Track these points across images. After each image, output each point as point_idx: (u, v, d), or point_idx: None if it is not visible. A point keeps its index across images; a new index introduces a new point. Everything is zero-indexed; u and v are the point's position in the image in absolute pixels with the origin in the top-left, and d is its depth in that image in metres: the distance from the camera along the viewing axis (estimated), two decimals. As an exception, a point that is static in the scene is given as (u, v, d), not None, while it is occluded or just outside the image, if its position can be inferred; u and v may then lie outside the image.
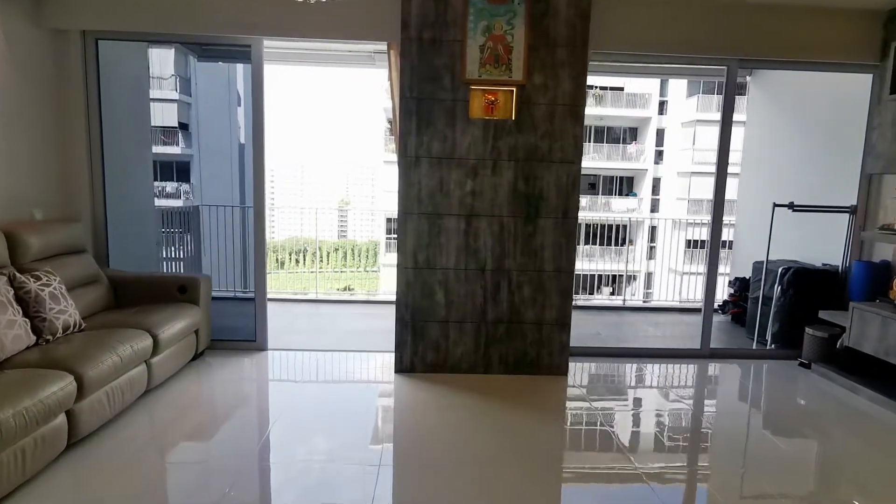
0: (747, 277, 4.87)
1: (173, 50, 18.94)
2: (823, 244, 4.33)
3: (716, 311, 5.53)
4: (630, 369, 3.81)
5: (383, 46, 4.23)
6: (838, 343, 3.63)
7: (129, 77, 4.18)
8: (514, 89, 3.37)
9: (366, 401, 3.21)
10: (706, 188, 19.93)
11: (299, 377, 3.53)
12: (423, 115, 3.35)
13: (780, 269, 4.25)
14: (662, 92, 20.80)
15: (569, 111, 3.39)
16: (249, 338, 3.93)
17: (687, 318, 5.39)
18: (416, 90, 3.34)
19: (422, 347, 3.53)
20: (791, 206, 4.12)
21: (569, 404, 3.23)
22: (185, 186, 20.03)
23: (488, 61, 3.34)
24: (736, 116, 3.93)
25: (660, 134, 20.91)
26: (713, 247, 3.99)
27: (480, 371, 3.55)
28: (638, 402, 3.37)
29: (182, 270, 6.29)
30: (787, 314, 4.18)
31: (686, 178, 19.86)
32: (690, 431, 2.92)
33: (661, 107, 20.90)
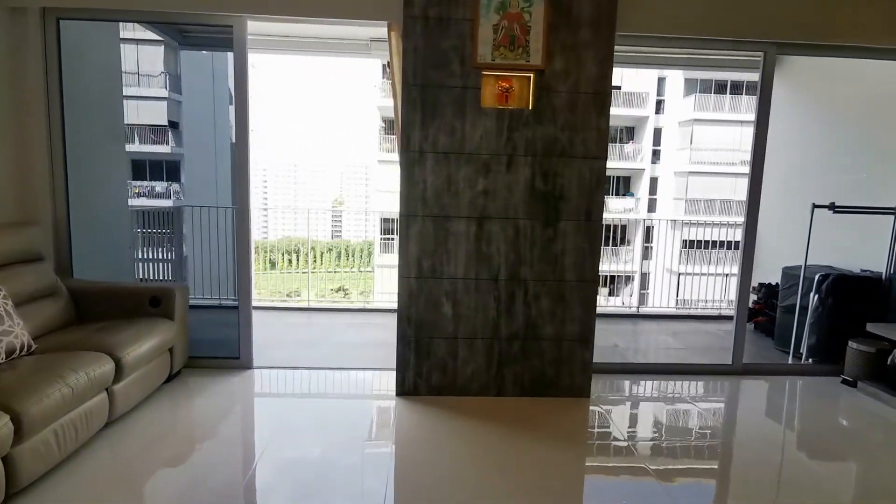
0: (773, 283, 4.48)
1: (162, 46, 18.41)
2: (861, 248, 3.95)
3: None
4: (658, 388, 3.41)
5: (381, 32, 3.79)
6: (889, 359, 3.25)
7: (98, 65, 3.72)
8: (532, 75, 2.95)
9: (364, 429, 2.78)
10: (704, 188, 19.62)
11: (288, 401, 3.09)
12: (428, 105, 2.93)
13: (817, 276, 3.86)
14: (660, 91, 20.50)
15: (593, 100, 2.97)
16: (233, 354, 3.49)
17: (707, 326, 5.01)
18: (420, 76, 2.91)
19: (427, 367, 3.11)
20: (832, 206, 3.74)
21: (593, 432, 2.82)
22: (175, 186, 19.48)
23: (503, 43, 2.92)
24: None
25: (657, 133, 20.60)
26: (746, 252, 3.60)
27: (493, 393, 3.14)
28: (672, 429, 2.96)
29: (169, 276, 5.83)
30: (825, 325, 3.80)
31: (683, 177, 19.56)
32: (733, 461, 2.52)
33: (658, 106, 20.59)
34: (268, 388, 3.28)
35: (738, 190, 19.61)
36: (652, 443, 2.72)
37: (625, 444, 2.67)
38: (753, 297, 4.89)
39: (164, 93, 19.33)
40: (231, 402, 3.05)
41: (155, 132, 19.49)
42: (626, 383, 3.47)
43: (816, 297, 3.84)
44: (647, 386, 3.45)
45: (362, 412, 2.98)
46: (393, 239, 17.28)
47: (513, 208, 3.01)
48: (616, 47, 2.97)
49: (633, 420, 3.02)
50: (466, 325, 3.08)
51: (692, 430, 2.93)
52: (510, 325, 3.09)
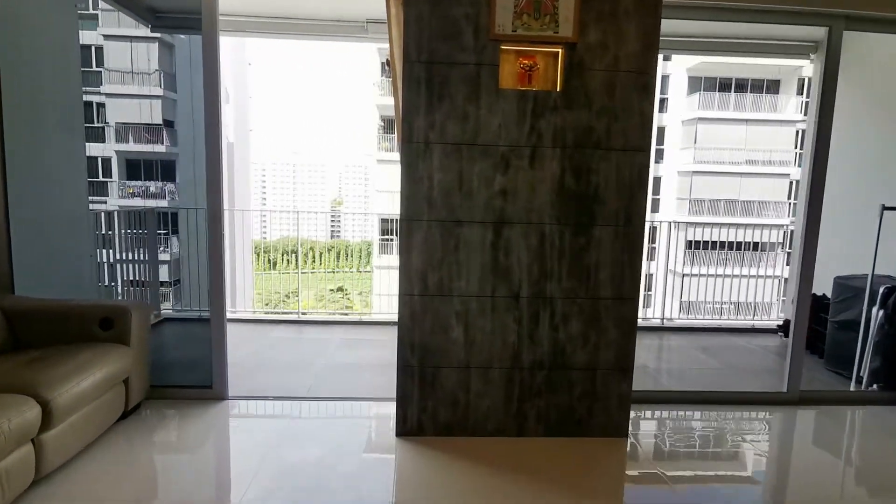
0: (821, 295, 3.94)
1: (157, 44, 17.83)
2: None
3: (775, 331, 4.61)
4: (705, 423, 2.87)
5: (379, 9, 3.24)
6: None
7: (48, 46, 3.16)
8: (561, 50, 2.40)
9: (357, 480, 2.23)
10: (708, 188, 19.07)
11: (267, 443, 2.53)
12: (435, 86, 2.38)
13: (881, 289, 3.32)
14: (663, 89, 19.96)
15: (635, 81, 2.43)
16: (206, 382, 2.94)
17: (740, 340, 4.47)
18: (425, 51, 2.36)
19: (433, 402, 2.56)
20: (904, 209, 3.20)
21: (634, 483, 2.27)
22: (170, 186, 18.92)
23: (525, 10, 2.37)
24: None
25: (660, 132, 20.07)
26: (806, 262, 3.05)
27: (512, 433, 2.59)
28: (727, 478, 2.41)
29: (141, 287, 5.26)
30: (892, 346, 3.26)
31: (687, 177, 19.03)
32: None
33: (662, 104, 20.05)
34: (244, 425, 2.72)
35: (744, 190, 19.06)
36: (704, 492, 2.18)
37: (671, 494, 2.12)
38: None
39: (159, 91, 18.73)
40: (197, 445, 2.50)
41: (150, 131, 18.91)
42: (667, 416, 2.93)
43: (882, 312, 3.30)
44: (691, 420, 2.90)
45: (355, 458, 2.42)
46: (392, 240, 16.71)
47: (537, 211, 2.46)
48: (666, 18, 2.42)
49: (680, 464, 2.47)
50: (481, 352, 2.53)
51: (750, 477, 2.38)
52: (533, 351, 2.54)
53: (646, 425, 2.81)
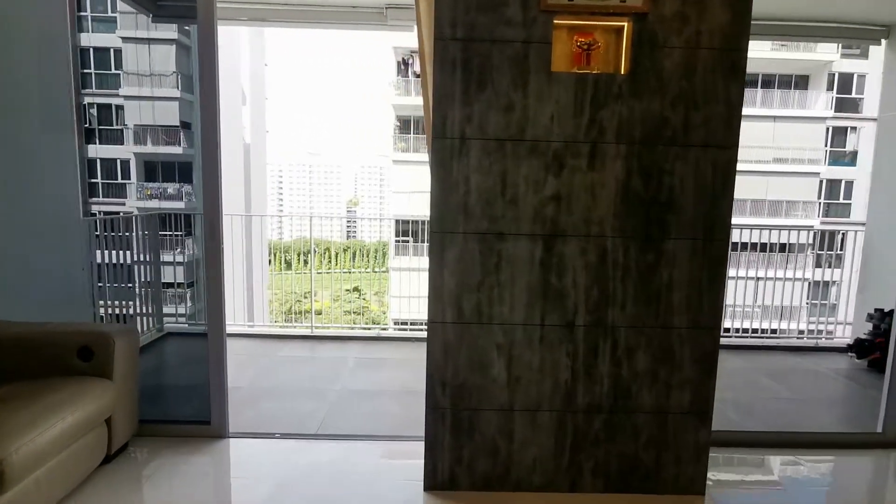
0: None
1: (174, 46, 17.69)
2: None
3: (843, 350, 4.08)
4: (792, 474, 2.37)
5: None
6: None
7: (29, 35, 2.79)
8: (628, 23, 1.94)
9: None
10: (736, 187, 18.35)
11: (270, 497, 2.11)
12: (473, 70, 1.93)
13: None
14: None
15: (720, 60, 1.95)
16: (203, 416, 2.53)
17: (806, 362, 3.94)
18: (461, 26, 1.91)
19: (469, 451, 2.11)
20: None
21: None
22: (186, 187, 18.80)
23: (585, -26, 1.91)
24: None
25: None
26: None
27: (564, 488, 2.13)
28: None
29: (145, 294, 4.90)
30: None
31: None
32: None
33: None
34: (244, 471, 2.30)
35: (771, 189, 18.31)
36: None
37: None
38: (869, 324, 3.81)
39: (177, 93, 18.61)
40: (187, 496, 2.08)
41: (167, 133, 18.83)
42: (745, 464, 2.44)
43: None
44: (775, 469, 2.41)
45: (376, 520, 1.99)
46: (407, 241, 16.30)
47: (597, 222, 2.00)
48: (753, -19, 1.94)
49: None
50: (527, 393, 2.08)
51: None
52: (590, 391, 2.08)
53: (722, 476, 2.32)
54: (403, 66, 18.46)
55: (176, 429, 2.50)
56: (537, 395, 2.07)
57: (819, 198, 17.71)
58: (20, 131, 2.72)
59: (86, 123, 17.73)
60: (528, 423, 2.09)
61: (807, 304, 5.86)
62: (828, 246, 6.03)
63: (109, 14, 17.02)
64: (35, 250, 2.79)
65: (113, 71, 17.28)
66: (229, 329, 4.25)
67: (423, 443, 2.11)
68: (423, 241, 15.39)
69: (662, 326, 2.05)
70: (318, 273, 7.47)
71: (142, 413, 2.41)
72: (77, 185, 3.14)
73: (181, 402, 2.94)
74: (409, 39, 17.39)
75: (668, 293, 2.04)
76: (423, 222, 15.59)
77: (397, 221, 17.50)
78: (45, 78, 2.90)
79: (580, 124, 1.96)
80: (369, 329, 4.35)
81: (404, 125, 19.20)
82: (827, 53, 17.67)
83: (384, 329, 5.39)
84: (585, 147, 1.97)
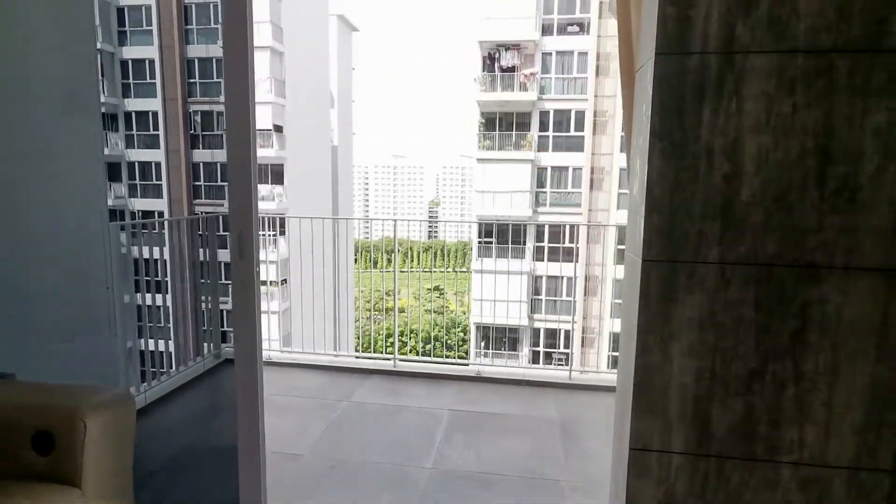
0: None
1: (268, 52, 17.99)
2: None
3: None
4: None
5: None
6: None
7: (44, 19, 2.05)
8: None
9: None
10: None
11: None
12: None
13: None
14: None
15: None
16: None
17: None
18: None
19: None
20: None
21: None
22: (278, 189, 19.15)
23: None
24: None
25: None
26: None
27: None
28: None
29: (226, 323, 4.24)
30: None
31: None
32: None
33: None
34: None
35: None
36: None
37: None
38: None
39: (270, 97, 19.01)
40: None
41: (260, 136, 19.28)
42: None
43: None
44: None
45: None
46: (490, 243, 15.22)
47: None
48: None
49: None
50: None
51: None
52: None
53: None
54: (489, 61, 17.39)
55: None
56: None
57: None
58: (31, 124, 1.98)
59: (191, 130, 18.52)
60: None
61: None
62: None
63: (212, 26, 17.59)
64: (50, 265, 2.05)
65: (215, 79, 17.87)
66: (299, 359, 3.47)
67: None
68: (507, 244, 14.25)
69: None
70: (401, 272, 6.67)
71: (174, 480, 1.55)
72: (102, 187, 2.39)
73: (214, 481, 2.08)
74: (495, 33, 16.32)
75: None
76: (508, 224, 14.45)
77: (480, 223, 16.52)
78: (59, 66, 2.15)
79: None
80: (466, 364, 3.31)
81: (489, 123, 18.16)
82: None
83: (483, 363, 4.36)
84: None
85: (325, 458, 2.21)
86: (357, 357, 3.45)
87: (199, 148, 18.49)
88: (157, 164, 18.22)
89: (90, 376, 2.15)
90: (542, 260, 15.07)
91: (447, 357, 5.08)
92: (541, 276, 15.42)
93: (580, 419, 2.62)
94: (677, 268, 0.90)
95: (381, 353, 3.56)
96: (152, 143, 17.97)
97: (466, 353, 15.12)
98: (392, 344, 3.26)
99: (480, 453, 2.28)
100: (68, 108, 2.18)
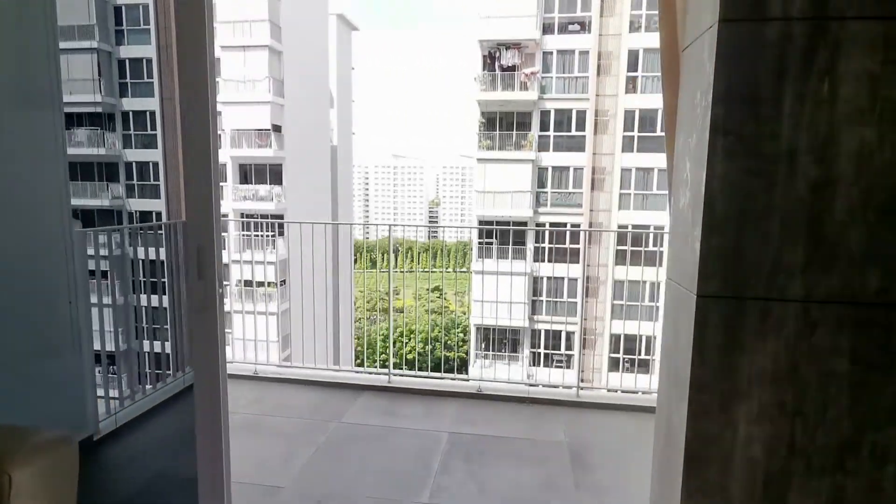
0: None
1: (266, 51, 17.77)
2: None
3: None
4: None
5: None
6: None
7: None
8: None
9: None
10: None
11: None
12: None
13: None
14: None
15: None
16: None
17: None
18: None
19: None
20: None
21: None
22: (276, 189, 18.94)
23: None
24: None
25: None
26: None
27: None
28: None
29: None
30: None
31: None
32: None
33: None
34: None
35: None
36: None
37: None
38: None
39: (269, 97, 18.83)
40: None
41: (259, 135, 19.10)
42: None
43: None
44: None
45: None
46: (490, 244, 14.98)
47: None
48: None
49: None
50: None
51: None
52: None
53: None
54: (490, 60, 17.14)
55: None
56: None
57: None
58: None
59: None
60: None
61: None
62: None
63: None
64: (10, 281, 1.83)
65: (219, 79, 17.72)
66: (293, 374, 3.23)
67: None
68: (507, 245, 14.01)
69: None
70: (400, 272, 6.45)
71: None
72: (62, 189, 2.15)
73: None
74: (495, 32, 16.08)
75: None
76: (507, 223, 14.22)
77: (480, 222, 16.30)
78: (15, 66, 1.93)
79: None
80: (466, 380, 3.08)
81: (489, 122, 17.92)
82: None
83: (484, 378, 4.15)
84: None
85: (309, 491, 1.98)
86: (351, 371, 3.21)
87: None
88: (155, 164, 17.99)
89: (47, 406, 1.92)
90: (543, 261, 14.85)
91: (447, 357, 4.84)
92: (541, 278, 15.20)
93: (591, 444, 2.40)
94: (746, 306, 0.67)
95: (379, 356, 3.33)
96: (150, 142, 17.74)
97: (466, 353, 14.88)
98: (388, 349, 3.03)
99: (482, 486, 2.05)
100: (24, 105, 1.95)
